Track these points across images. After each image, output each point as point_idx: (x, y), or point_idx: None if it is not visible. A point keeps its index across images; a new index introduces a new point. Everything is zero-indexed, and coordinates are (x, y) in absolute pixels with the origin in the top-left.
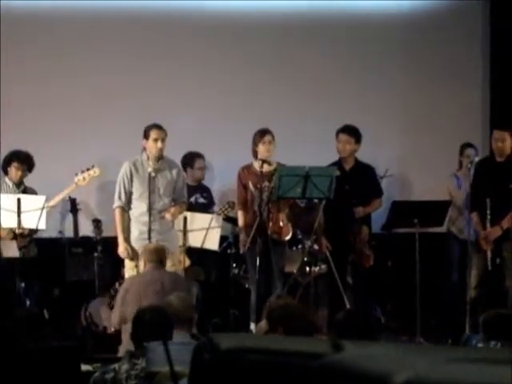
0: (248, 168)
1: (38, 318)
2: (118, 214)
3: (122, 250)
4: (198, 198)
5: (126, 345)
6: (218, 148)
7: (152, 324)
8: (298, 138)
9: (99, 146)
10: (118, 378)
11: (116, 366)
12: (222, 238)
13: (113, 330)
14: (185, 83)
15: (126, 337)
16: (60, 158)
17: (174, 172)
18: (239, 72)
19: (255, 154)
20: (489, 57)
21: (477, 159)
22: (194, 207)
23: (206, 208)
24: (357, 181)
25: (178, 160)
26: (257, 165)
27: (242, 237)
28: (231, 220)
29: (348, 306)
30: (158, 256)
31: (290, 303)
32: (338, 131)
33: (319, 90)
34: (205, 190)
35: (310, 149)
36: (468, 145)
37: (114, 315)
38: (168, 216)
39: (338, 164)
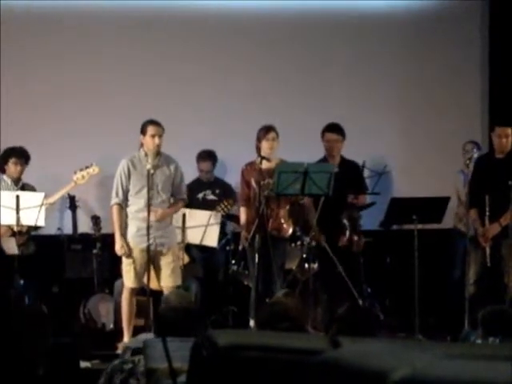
0: (251, 165)
1: (41, 315)
2: (115, 211)
3: (118, 247)
4: (208, 194)
5: None
6: (220, 145)
7: (179, 323)
8: (301, 136)
9: (98, 143)
10: (135, 371)
11: (136, 358)
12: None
13: (111, 326)
14: (186, 81)
15: None
16: (59, 155)
17: (172, 168)
18: (240, 70)
19: (259, 151)
20: (487, 55)
21: (475, 155)
22: (200, 204)
23: (215, 205)
24: (343, 177)
25: (178, 157)
26: (258, 161)
27: (243, 233)
28: (231, 217)
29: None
30: None
31: (277, 303)
32: (325, 131)
33: (321, 88)
34: (219, 187)
35: (313, 146)
36: (468, 141)
37: None
38: (152, 217)
39: (325, 161)
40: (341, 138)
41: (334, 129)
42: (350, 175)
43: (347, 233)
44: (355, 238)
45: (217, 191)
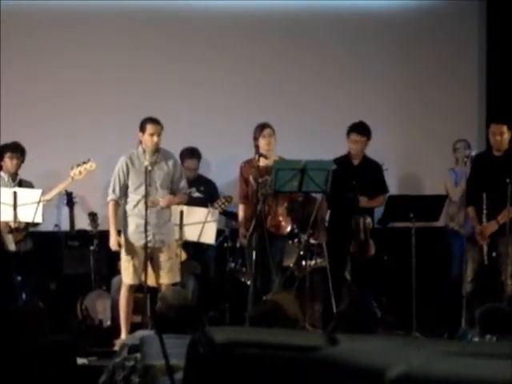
0: (249, 162)
1: (39, 312)
2: (110, 207)
3: (112, 242)
4: (193, 192)
5: None
6: (218, 144)
7: (178, 320)
8: (299, 135)
9: (96, 139)
10: (137, 368)
11: (139, 355)
12: (219, 232)
13: (108, 323)
14: (185, 80)
15: None
16: (56, 152)
17: (171, 163)
18: (240, 69)
19: (257, 149)
20: (485, 55)
21: (473, 153)
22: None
23: (201, 203)
24: (364, 176)
25: (176, 154)
26: (256, 159)
27: (241, 230)
28: (228, 214)
29: (333, 301)
30: None
31: (270, 302)
32: (351, 131)
33: (320, 87)
34: (203, 184)
35: (311, 145)
36: (459, 140)
37: None
38: (162, 203)
39: (347, 158)
40: (365, 139)
41: (358, 130)
42: (371, 175)
43: (362, 237)
44: (367, 244)
45: (201, 188)
